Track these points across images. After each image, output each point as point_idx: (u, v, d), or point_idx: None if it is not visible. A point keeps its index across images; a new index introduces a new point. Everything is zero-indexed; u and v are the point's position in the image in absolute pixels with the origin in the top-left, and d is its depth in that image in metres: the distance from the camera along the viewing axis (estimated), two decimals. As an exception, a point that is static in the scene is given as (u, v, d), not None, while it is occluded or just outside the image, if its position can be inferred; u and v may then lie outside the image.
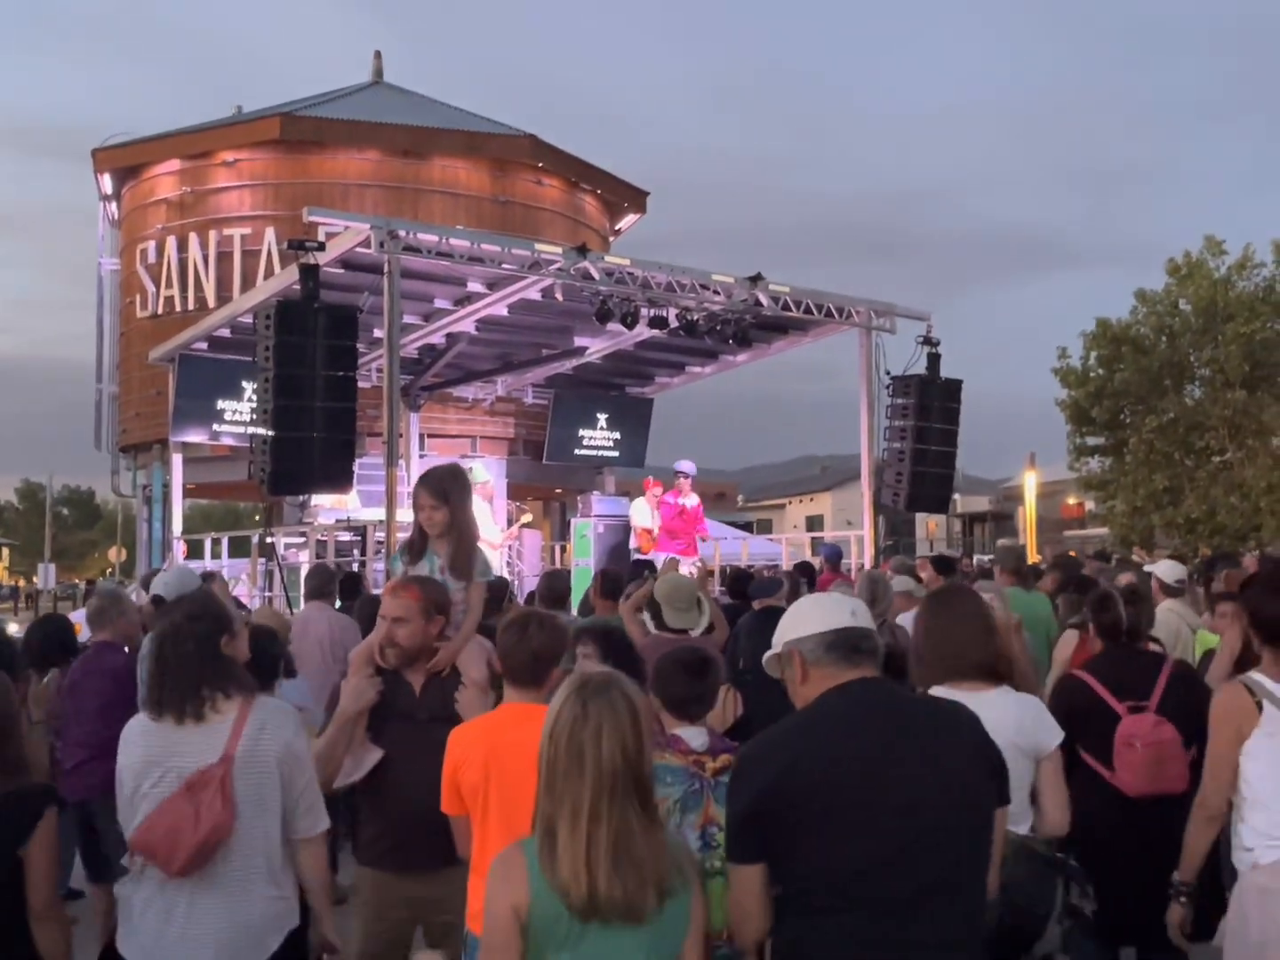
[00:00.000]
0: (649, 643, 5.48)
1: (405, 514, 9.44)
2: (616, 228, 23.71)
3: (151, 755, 3.28)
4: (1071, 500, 47.82)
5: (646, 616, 5.82)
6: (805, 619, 2.79)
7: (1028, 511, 27.89)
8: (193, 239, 19.37)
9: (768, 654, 2.85)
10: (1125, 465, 30.96)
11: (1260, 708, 3.44)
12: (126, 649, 5.93)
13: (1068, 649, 5.89)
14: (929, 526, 49.58)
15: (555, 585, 8.21)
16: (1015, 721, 3.51)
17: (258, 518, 53.77)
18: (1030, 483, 27.86)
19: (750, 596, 7.65)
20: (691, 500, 14.05)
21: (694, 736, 3.46)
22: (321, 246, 10.60)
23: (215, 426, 15.75)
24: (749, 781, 2.62)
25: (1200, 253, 30.72)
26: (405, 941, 3.93)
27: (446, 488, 4.49)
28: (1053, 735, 3.64)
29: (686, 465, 14.21)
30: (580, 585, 13.91)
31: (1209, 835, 3.55)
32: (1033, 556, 29.80)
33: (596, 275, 11.81)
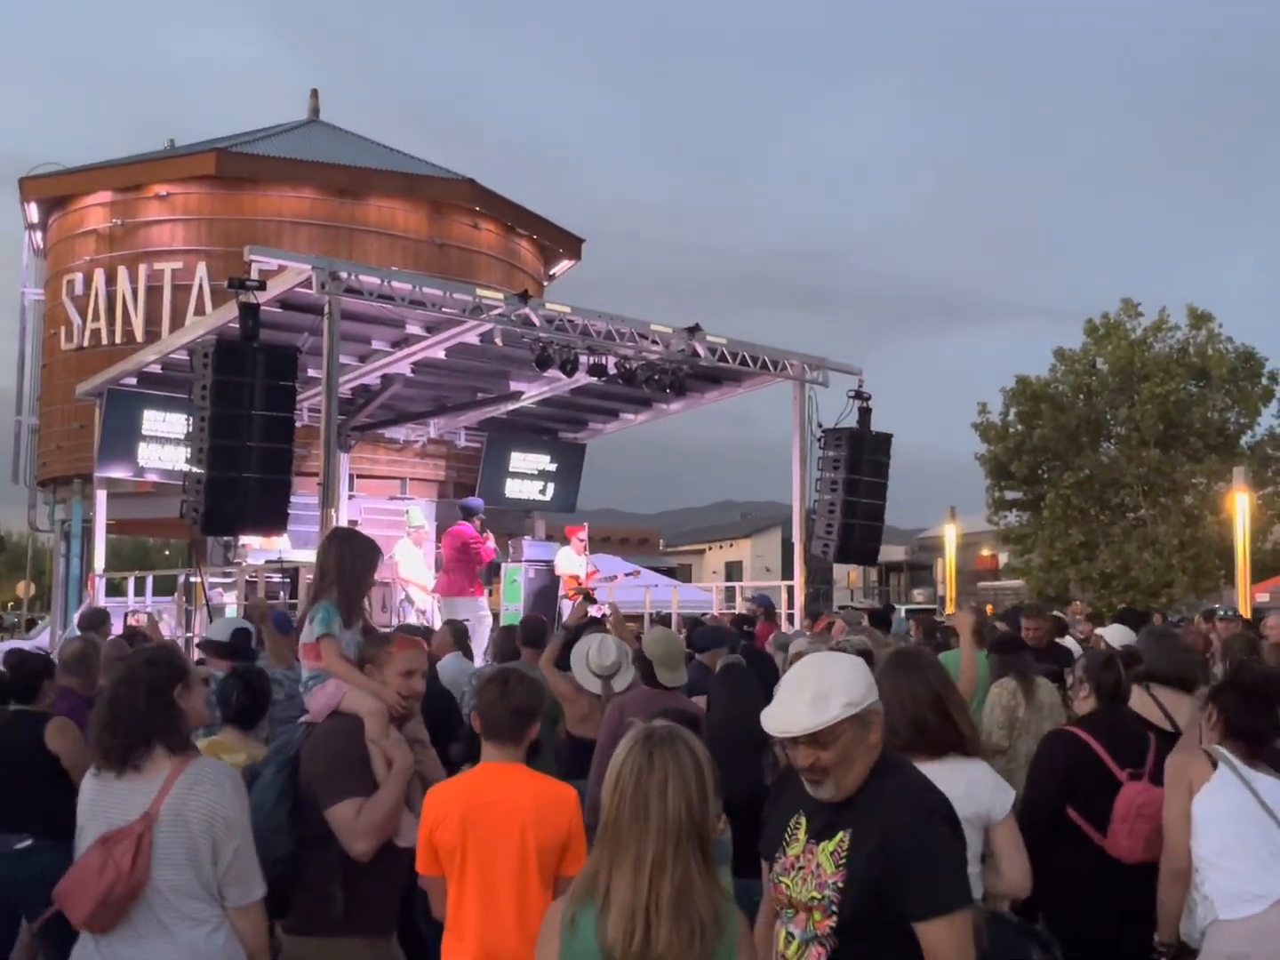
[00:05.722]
0: (639, 697, 5.43)
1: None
2: (551, 273, 23.81)
3: (88, 808, 3.32)
4: (986, 552, 48.55)
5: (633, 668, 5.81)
6: (873, 685, 2.84)
7: (948, 565, 28.19)
8: (121, 272, 19.06)
9: (847, 704, 2.76)
10: (1042, 520, 31.59)
11: (1215, 766, 3.55)
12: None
13: None
14: (849, 576, 50.05)
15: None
16: (965, 791, 3.51)
17: (167, 552, 52.65)
18: (950, 536, 28.17)
19: (695, 647, 7.67)
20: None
21: None
22: (262, 285, 10.54)
23: (141, 462, 15.50)
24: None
25: (1117, 314, 31.61)
26: None
27: None
28: (1005, 802, 3.64)
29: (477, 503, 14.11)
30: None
31: (1180, 893, 3.63)
32: (950, 609, 30.17)
33: (537, 322, 11.86)
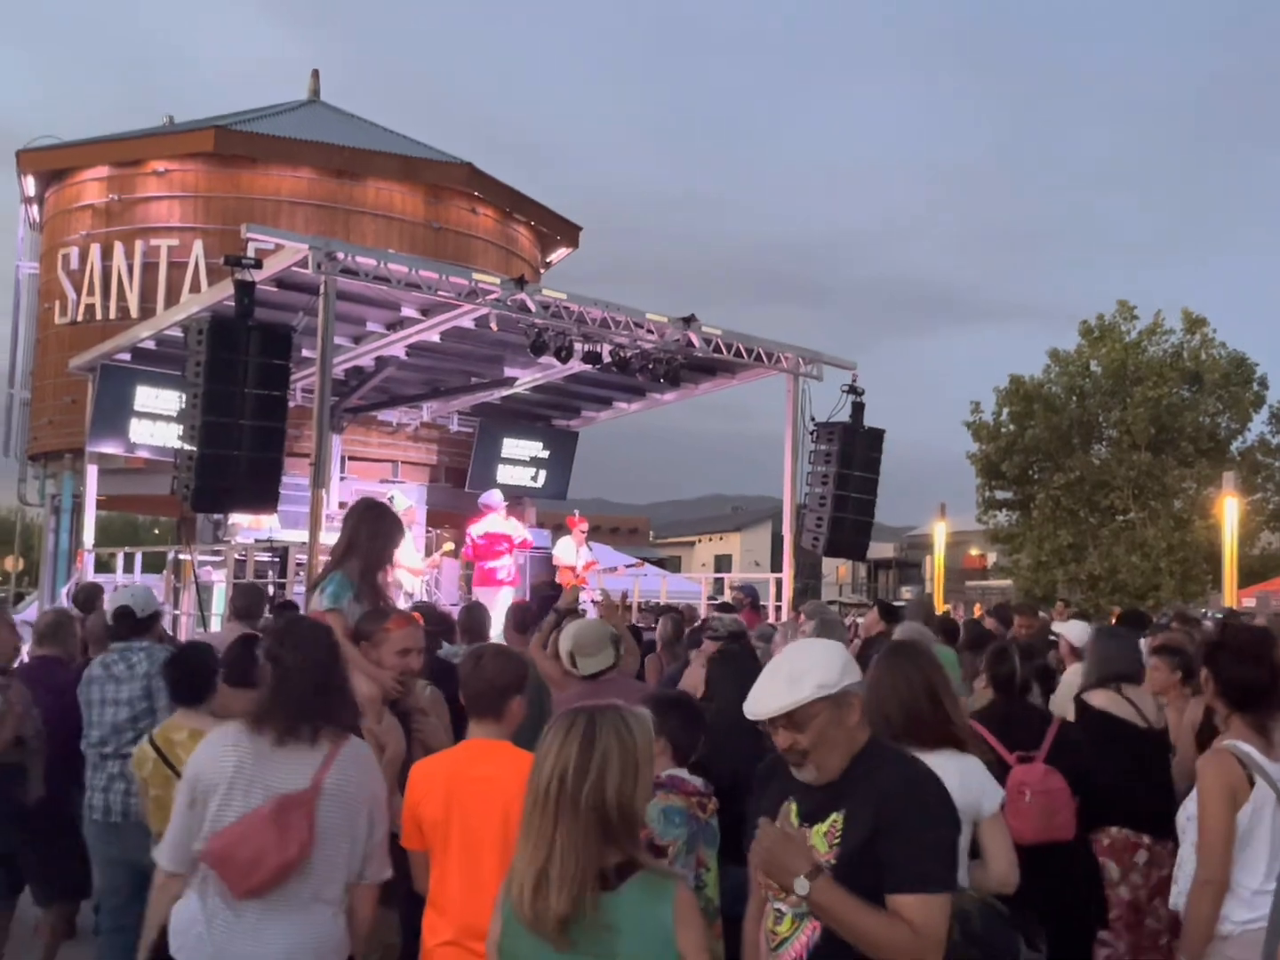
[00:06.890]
0: (573, 686, 5.38)
1: (327, 537, 9.37)
2: (548, 260, 23.76)
3: (244, 765, 3.21)
4: (974, 551, 48.66)
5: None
6: (852, 669, 2.85)
7: (937, 562, 28.24)
8: (118, 247, 18.99)
9: (819, 685, 2.76)
10: (1032, 520, 31.67)
11: (1251, 781, 3.48)
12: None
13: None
14: (839, 571, 50.14)
15: (475, 616, 8.02)
16: (958, 782, 3.45)
17: (156, 531, 52.61)
18: (940, 533, 28.23)
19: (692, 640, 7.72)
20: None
21: (693, 778, 3.48)
22: (258, 264, 10.52)
23: (133, 438, 15.46)
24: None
25: (1113, 316, 31.66)
26: None
27: None
28: (994, 797, 3.65)
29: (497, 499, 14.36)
30: (500, 617, 13.90)
31: (1214, 908, 3.50)
32: (940, 607, 30.23)
33: (532, 307, 11.85)
